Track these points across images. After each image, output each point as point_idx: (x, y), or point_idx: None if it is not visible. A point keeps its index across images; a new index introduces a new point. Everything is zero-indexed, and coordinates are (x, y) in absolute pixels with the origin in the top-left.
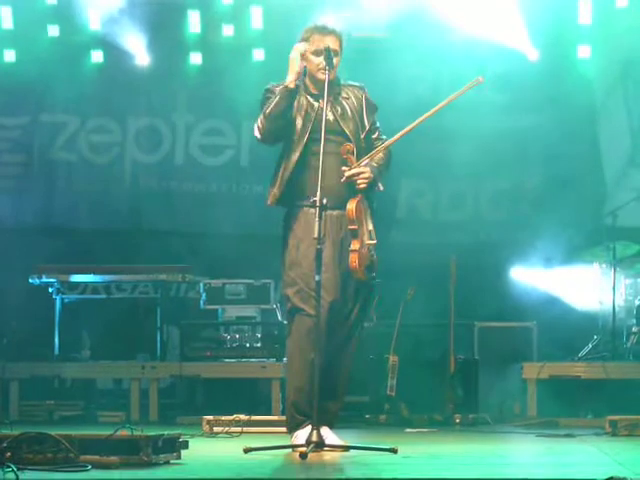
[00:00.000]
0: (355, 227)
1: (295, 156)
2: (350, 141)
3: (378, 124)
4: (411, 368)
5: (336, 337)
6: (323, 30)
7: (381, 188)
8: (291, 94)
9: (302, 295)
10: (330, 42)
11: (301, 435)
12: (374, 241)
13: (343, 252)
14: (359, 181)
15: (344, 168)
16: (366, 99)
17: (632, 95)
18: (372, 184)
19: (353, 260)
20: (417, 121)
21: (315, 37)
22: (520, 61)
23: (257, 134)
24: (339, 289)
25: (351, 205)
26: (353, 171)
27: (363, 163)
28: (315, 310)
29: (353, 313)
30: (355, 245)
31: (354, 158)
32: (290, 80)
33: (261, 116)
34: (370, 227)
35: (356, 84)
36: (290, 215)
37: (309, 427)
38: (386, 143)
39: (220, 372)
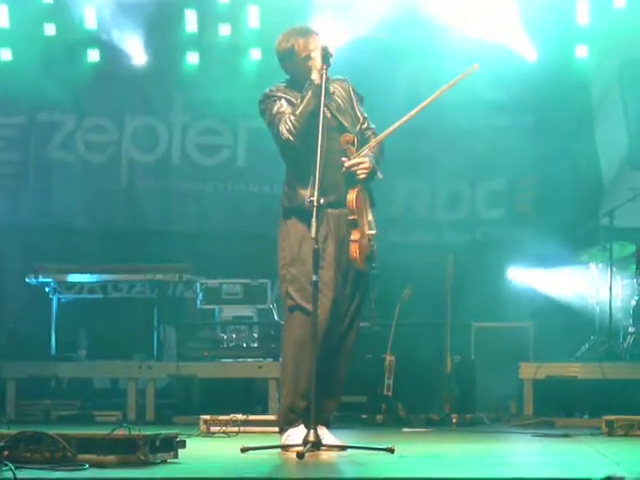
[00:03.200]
0: (355, 217)
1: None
2: (350, 132)
3: (366, 114)
4: (408, 368)
5: (335, 331)
6: (305, 32)
7: (380, 176)
8: (319, 91)
9: (304, 293)
10: (317, 42)
11: (294, 433)
12: (374, 231)
13: (344, 250)
14: (359, 171)
15: (344, 159)
16: (353, 90)
17: (629, 95)
18: (372, 174)
19: (354, 250)
20: (417, 108)
21: (300, 42)
22: (518, 61)
23: (288, 136)
24: (339, 286)
25: (351, 195)
26: (353, 161)
27: (362, 153)
28: (315, 308)
29: (352, 306)
30: (355, 235)
31: (354, 149)
32: (316, 77)
33: (291, 117)
34: (370, 217)
35: (340, 77)
36: (293, 212)
37: (302, 426)
38: (385, 132)
39: (217, 372)
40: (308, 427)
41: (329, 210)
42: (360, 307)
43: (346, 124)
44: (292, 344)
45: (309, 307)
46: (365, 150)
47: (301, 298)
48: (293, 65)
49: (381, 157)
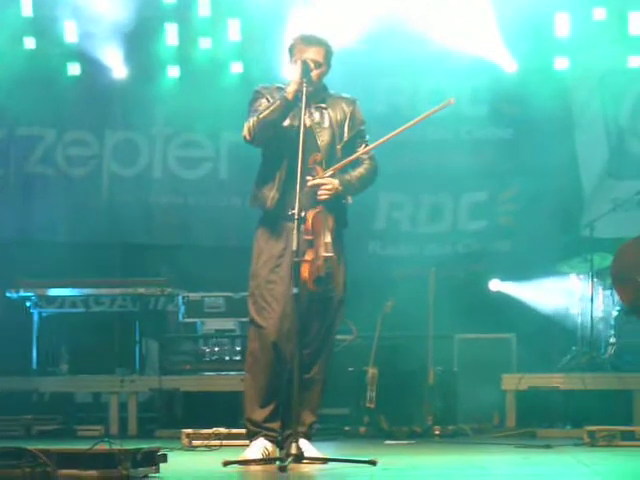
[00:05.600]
0: (311, 237)
1: (284, 161)
2: (320, 151)
3: (367, 137)
4: (390, 380)
5: (303, 353)
6: (308, 41)
7: (349, 201)
8: (288, 105)
9: (257, 307)
10: (312, 53)
11: (253, 446)
12: (331, 254)
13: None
14: (320, 192)
15: (308, 178)
16: (352, 113)
17: (609, 106)
18: (339, 196)
19: (304, 270)
20: (381, 140)
21: (299, 47)
22: (498, 73)
23: (246, 134)
24: (291, 302)
25: (309, 215)
26: (315, 182)
27: (327, 174)
28: (267, 322)
29: (320, 331)
30: (309, 256)
31: (320, 169)
32: (290, 90)
33: (254, 118)
34: (328, 240)
35: (347, 97)
36: (258, 225)
37: (262, 438)
38: (351, 157)
39: (199, 385)
40: (271, 440)
41: (290, 224)
42: (329, 332)
43: (319, 141)
44: (249, 356)
45: (260, 320)
46: (330, 171)
47: (254, 312)
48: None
49: (367, 181)
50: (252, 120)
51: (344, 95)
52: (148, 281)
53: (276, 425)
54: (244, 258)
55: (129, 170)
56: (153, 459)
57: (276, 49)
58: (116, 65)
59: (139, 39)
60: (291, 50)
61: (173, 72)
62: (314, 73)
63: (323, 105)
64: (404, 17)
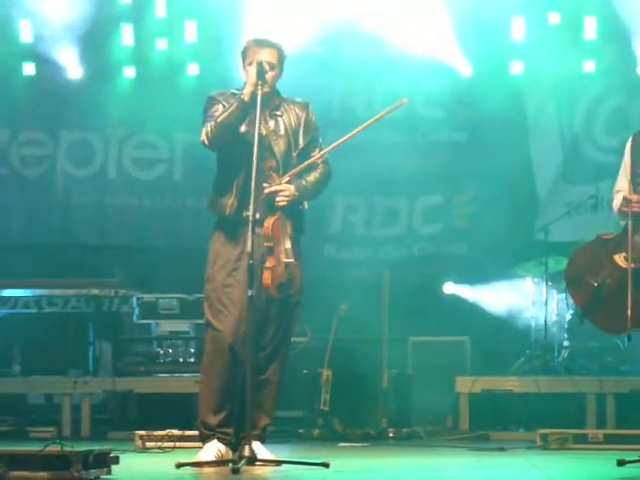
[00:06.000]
0: (271, 244)
1: (242, 168)
2: (276, 159)
3: (321, 142)
4: (345, 383)
5: (258, 356)
6: (261, 43)
7: (305, 207)
8: (246, 107)
9: (213, 310)
10: (265, 55)
11: (206, 449)
12: (291, 259)
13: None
14: (278, 199)
15: (265, 185)
16: (306, 119)
17: (564, 111)
18: (296, 202)
19: (266, 277)
20: (335, 144)
21: (252, 50)
22: (453, 76)
23: (204, 139)
24: (246, 305)
25: (268, 222)
26: (272, 188)
27: (284, 180)
28: (224, 325)
29: (277, 334)
30: (270, 262)
31: (276, 175)
32: (246, 92)
33: (212, 122)
34: (288, 245)
35: (300, 101)
36: (214, 228)
37: (215, 441)
38: (306, 163)
39: (153, 387)
40: (225, 443)
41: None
42: (285, 336)
43: (275, 148)
44: (205, 358)
45: (216, 323)
46: (286, 178)
47: (211, 315)
48: (244, 69)
49: (321, 185)
50: (210, 125)
51: (297, 99)
52: (102, 282)
53: (230, 430)
54: (199, 259)
55: (84, 170)
56: (105, 461)
57: (233, 51)
58: (71, 65)
59: (95, 39)
60: (244, 53)
61: (129, 73)
62: (269, 75)
63: (278, 112)
64: (359, 19)
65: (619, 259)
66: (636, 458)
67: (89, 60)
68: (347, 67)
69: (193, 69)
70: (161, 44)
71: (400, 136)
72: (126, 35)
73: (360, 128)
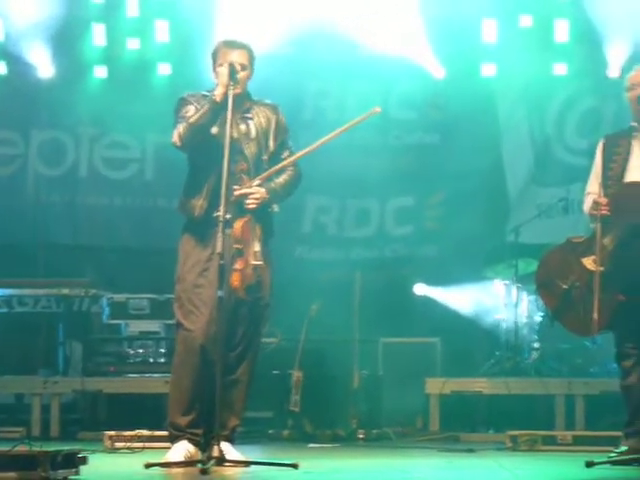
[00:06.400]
0: (240, 246)
1: (213, 170)
2: (247, 161)
3: (290, 144)
4: (315, 384)
5: (228, 356)
6: (231, 45)
7: (275, 209)
8: (217, 108)
9: (184, 310)
10: (236, 56)
11: (175, 449)
12: (260, 262)
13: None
14: (248, 201)
15: (235, 187)
16: (277, 121)
17: (534, 113)
18: (266, 205)
19: (235, 279)
20: (304, 151)
21: (222, 51)
22: (426, 78)
23: (176, 140)
24: (217, 306)
25: (237, 224)
26: (242, 191)
27: (255, 183)
28: (195, 326)
29: (246, 334)
30: (239, 264)
31: (247, 178)
32: (218, 93)
33: (184, 123)
34: (257, 248)
35: (269, 103)
36: (184, 230)
37: (184, 442)
38: (277, 166)
39: (123, 387)
40: (194, 443)
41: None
42: (254, 337)
43: (246, 151)
44: (176, 358)
45: (187, 324)
46: (257, 180)
47: (181, 315)
48: (214, 71)
49: (291, 187)
50: (182, 126)
51: (267, 101)
52: (72, 282)
53: (199, 430)
54: (169, 260)
55: (55, 170)
56: (73, 461)
57: (204, 51)
58: (43, 64)
59: (66, 38)
60: (214, 55)
61: (100, 72)
62: (240, 75)
63: (248, 115)
64: (332, 20)
65: (587, 262)
66: (604, 460)
67: (60, 59)
68: (319, 68)
69: (164, 69)
70: (132, 44)
71: (372, 137)
72: (97, 34)
73: (330, 136)
